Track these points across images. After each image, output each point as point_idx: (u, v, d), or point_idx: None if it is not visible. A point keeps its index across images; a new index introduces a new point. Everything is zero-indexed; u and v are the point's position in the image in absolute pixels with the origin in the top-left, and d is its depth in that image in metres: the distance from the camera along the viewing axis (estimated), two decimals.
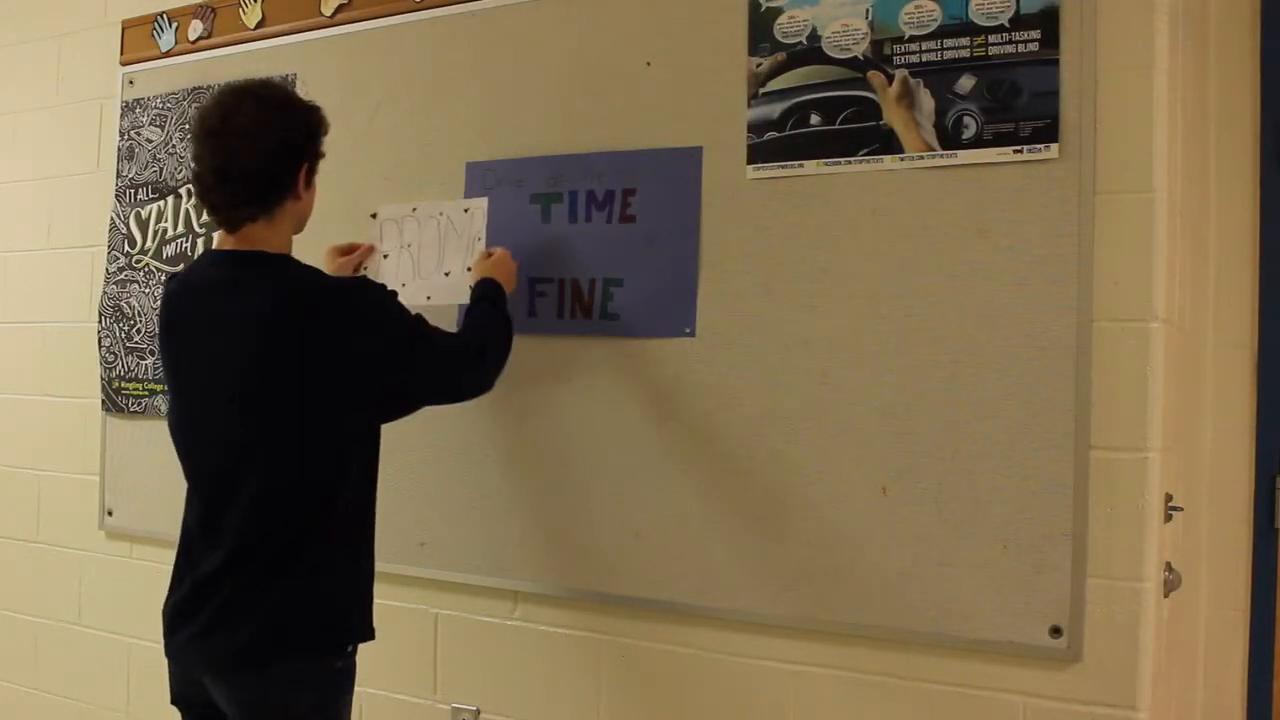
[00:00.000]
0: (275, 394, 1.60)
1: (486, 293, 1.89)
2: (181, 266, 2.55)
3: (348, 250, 2.09)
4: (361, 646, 1.71)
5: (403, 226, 2.08)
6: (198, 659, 1.66)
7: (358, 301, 1.65)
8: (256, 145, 1.63)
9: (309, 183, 1.71)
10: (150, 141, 2.65)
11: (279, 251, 1.69)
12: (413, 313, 1.73)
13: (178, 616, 1.67)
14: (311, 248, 1.90)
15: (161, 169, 2.63)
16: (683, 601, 1.94)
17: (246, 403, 1.62)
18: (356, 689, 1.71)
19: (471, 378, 1.81)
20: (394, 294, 1.73)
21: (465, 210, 2.04)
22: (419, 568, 2.20)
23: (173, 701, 1.74)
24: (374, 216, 2.12)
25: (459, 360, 1.79)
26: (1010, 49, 1.69)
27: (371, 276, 2.04)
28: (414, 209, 2.08)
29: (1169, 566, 1.72)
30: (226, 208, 1.66)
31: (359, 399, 1.64)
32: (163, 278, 2.59)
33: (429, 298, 2.00)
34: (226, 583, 1.62)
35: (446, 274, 2.00)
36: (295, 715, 1.63)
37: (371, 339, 1.63)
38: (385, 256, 2.08)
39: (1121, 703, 1.61)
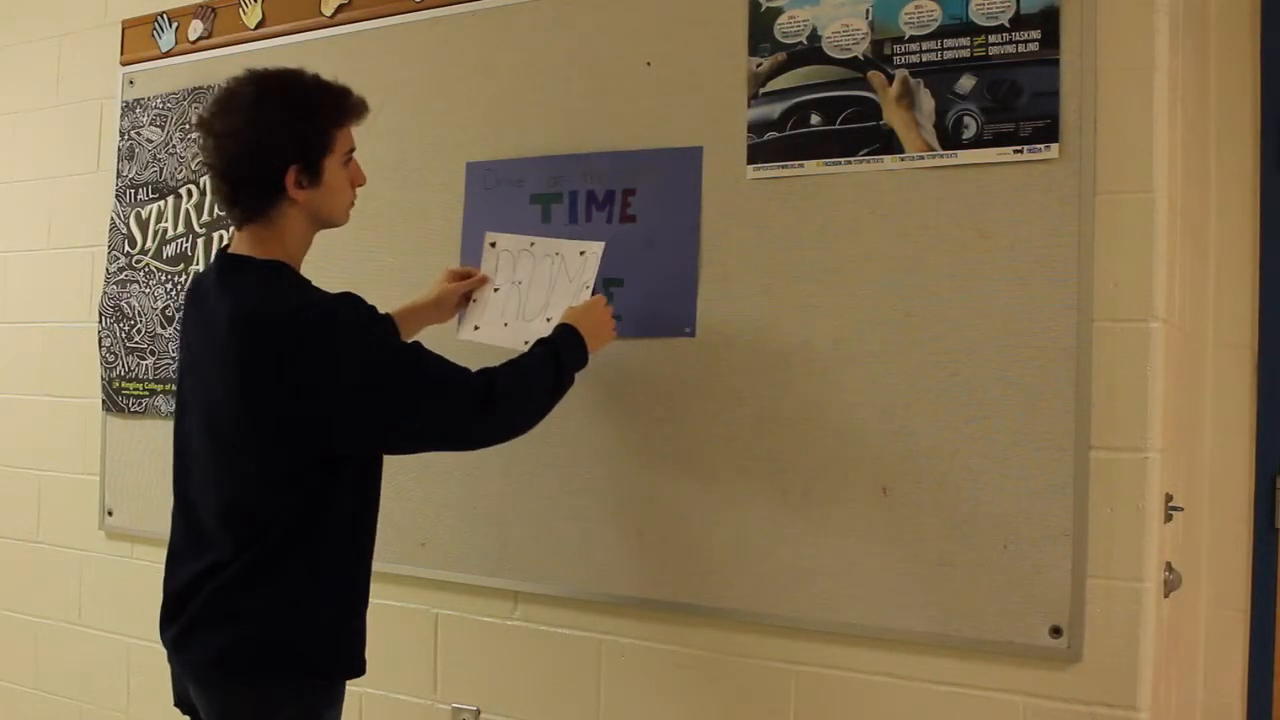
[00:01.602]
0: (231, 411, 1.57)
1: (555, 337, 1.73)
2: (181, 267, 2.57)
3: (463, 275, 1.96)
4: None
5: (518, 261, 1.95)
6: (177, 663, 1.66)
7: (315, 327, 1.52)
8: (235, 148, 1.57)
9: (311, 182, 1.60)
10: (150, 141, 2.65)
11: (276, 255, 1.62)
12: (408, 341, 1.61)
13: (163, 618, 1.67)
14: (316, 248, 1.90)
15: (161, 169, 2.63)
16: (683, 601, 1.94)
17: (211, 412, 1.62)
18: (357, 688, 1.71)
19: (462, 419, 1.61)
20: (374, 319, 1.57)
21: (581, 253, 1.89)
22: (419, 568, 2.20)
23: (176, 704, 1.74)
24: (493, 245, 1.97)
25: (452, 397, 1.59)
26: (1010, 49, 1.69)
27: (478, 308, 1.94)
28: (532, 244, 1.95)
29: (1169, 566, 1.72)
30: (223, 206, 1.66)
31: (313, 428, 1.54)
32: (162, 278, 2.60)
33: (526, 342, 1.78)
34: (204, 589, 1.59)
35: (549, 319, 1.82)
36: None
37: (322, 368, 1.51)
38: (496, 290, 1.94)
39: (1121, 703, 1.61)
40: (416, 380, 1.57)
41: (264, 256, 1.62)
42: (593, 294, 1.86)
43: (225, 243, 1.78)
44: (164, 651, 1.69)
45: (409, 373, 1.56)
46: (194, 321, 1.71)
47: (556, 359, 1.70)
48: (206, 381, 1.64)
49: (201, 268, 2.52)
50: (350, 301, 1.58)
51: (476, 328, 1.94)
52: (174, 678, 1.72)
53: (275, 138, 1.57)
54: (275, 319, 1.54)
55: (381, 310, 1.61)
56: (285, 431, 1.55)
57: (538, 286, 1.91)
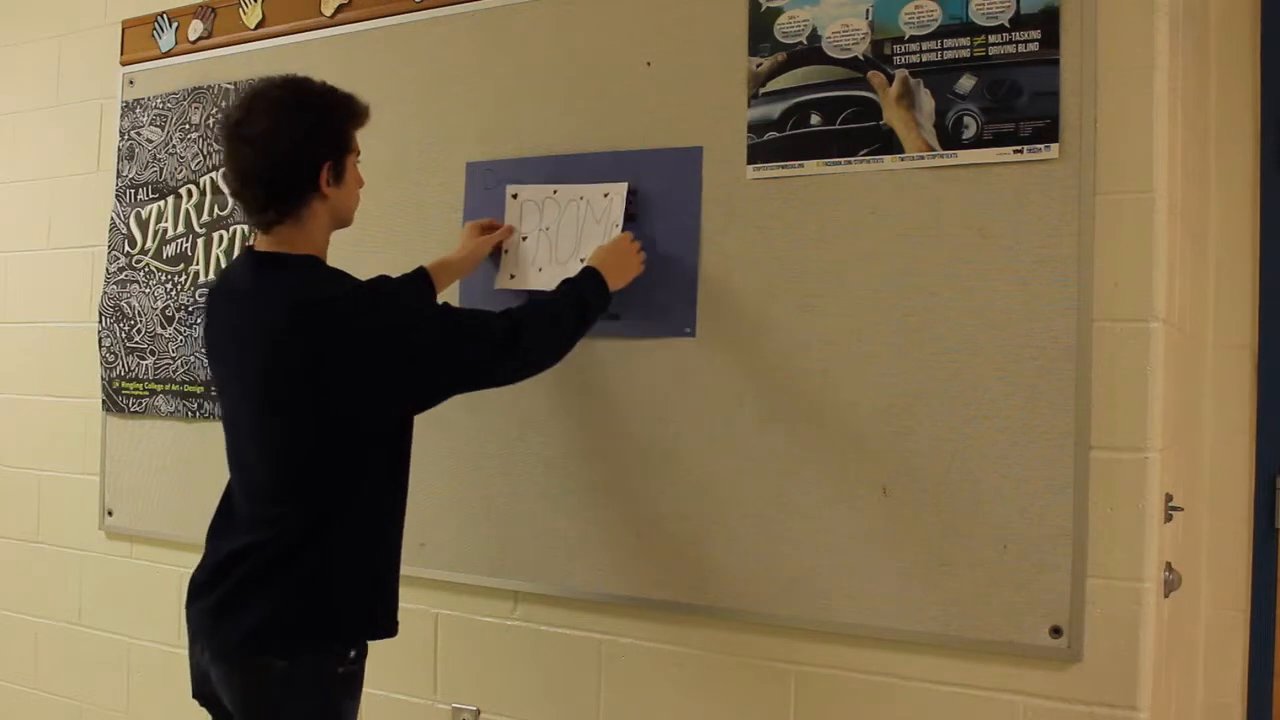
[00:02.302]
0: (282, 400, 1.61)
1: (579, 277, 1.82)
2: (181, 267, 2.57)
3: (489, 228, 2.06)
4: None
5: (543, 209, 2.03)
6: (205, 638, 1.67)
7: (355, 309, 1.60)
8: (267, 152, 1.62)
9: (337, 179, 1.68)
10: (150, 141, 2.65)
11: (307, 252, 1.68)
12: (438, 303, 1.69)
13: (195, 590, 1.70)
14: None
15: (161, 169, 2.63)
16: (683, 601, 1.94)
17: (257, 404, 1.65)
18: None
19: (491, 360, 1.69)
20: (405, 291, 1.68)
21: (605, 195, 1.97)
22: (419, 568, 2.19)
23: (194, 696, 1.75)
24: (515, 197, 2.07)
25: (484, 339, 1.67)
26: (1010, 49, 1.69)
27: (510, 258, 2.05)
28: (554, 190, 2.03)
29: (1169, 566, 1.72)
30: (251, 211, 1.68)
31: (365, 405, 1.61)
32: (162, 278, 2.60)
33: None
34: (241, 567, 1.63)
35: (582, 260, 1.89)
36: (292, 716, 1.62)
37: (371, 346, 1.59)
38: (524, 238, 2.04)
39: (1121, 703, 1.61)
40: (450, 337, 1.65)
41: (296, 253, 1.68)
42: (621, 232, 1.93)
43: (249, 243, 1.81)
44: (164, 651, 1.70)
45: (442, 329, 1.66)
46: (225, 318, 1.74)
47: (580, 298, 1.78)
48: (248, 370, 1.66)
49: (202, 268, 2.53)
50: (385, 279, 1.68)
51: (512, 276, 2.03)
52: (194, 667, 1.72)
53: (312, 135, 1.65)
54: (325, 304, 1.59)
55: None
56: (336, 408, 1.59)
57: (567, 230, 1.99)
